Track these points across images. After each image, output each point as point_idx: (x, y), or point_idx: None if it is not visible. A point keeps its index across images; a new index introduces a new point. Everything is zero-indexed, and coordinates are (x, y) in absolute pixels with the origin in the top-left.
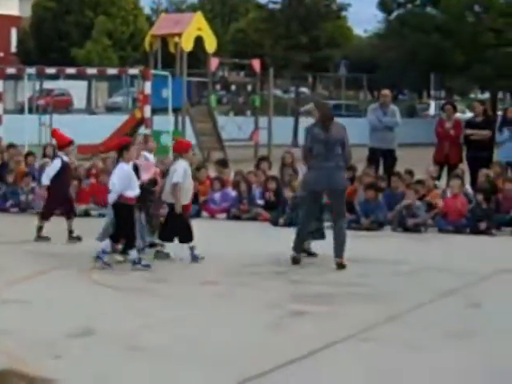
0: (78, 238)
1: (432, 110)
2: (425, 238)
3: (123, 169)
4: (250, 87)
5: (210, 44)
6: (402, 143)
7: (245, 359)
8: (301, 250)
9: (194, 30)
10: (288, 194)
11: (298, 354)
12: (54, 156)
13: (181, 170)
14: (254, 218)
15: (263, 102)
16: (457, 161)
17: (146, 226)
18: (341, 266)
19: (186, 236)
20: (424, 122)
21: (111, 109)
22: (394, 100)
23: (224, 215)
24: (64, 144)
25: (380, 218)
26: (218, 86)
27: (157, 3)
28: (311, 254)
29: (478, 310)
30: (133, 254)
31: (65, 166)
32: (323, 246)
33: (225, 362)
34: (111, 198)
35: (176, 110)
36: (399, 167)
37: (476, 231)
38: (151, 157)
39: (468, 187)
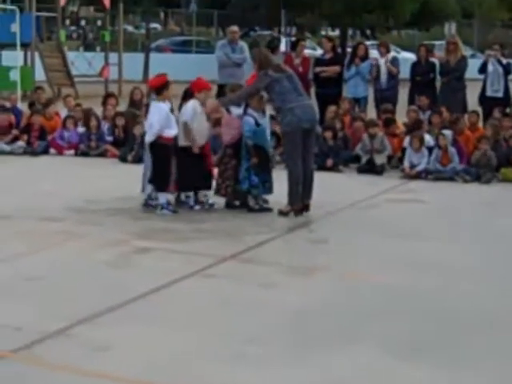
0: None
1: (283, 47)
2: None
3: (161, 108)
4: (100, 22)
5: None
6: None
7: (85, 296)
8: (300, 199)
9: None
10: (137, 130)
11: (143, 290)
12: None
13: (189, 108)
14: (103, 155)
15: (113, 37)
16: None
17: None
18: (308, 208)
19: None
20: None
21: None
22: (245, 36)
23: (72, 152)
24: None
25: None
26: (67, 21)
27: None
28: (265, 210)
29: (324, 245)
30: (161, 197)
31: None
32: None
33: (68, 298)
34: (149, 138)
35: (25, 45)
36: None
37: (323, 168)
38: (236, 109)
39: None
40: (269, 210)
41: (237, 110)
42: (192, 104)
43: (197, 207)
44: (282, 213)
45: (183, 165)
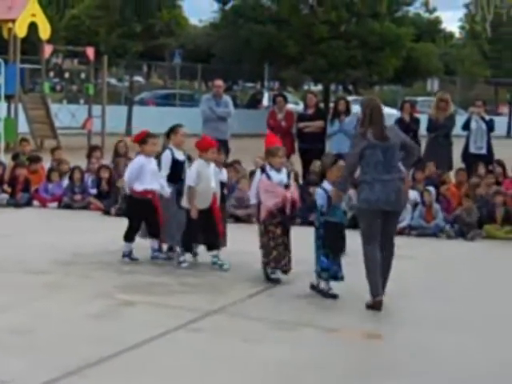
0: None
1: (266, 101)
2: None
3: (135, 161)
4: (83, 75)
5: (44, 31)
6: (242, 134)
7: (72, 349)
8: (381, 288)
9: (28, 16)
10: (119, 183)
11: (129, 344)
12: None
13: (193, 171)
14: (86, 207)
15: (97, 90)
16: (289, 152)
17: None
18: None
19: (211, 242)
20: (257, 113)
21: None
22: (228, 90)
23: (55, 204)
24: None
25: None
26: (51, 73)
27: None
28: (332, 296)
29: (310, 299)
30: (125, 246)
31: None
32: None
33: (54, 351)
34: (125, 189)
35: (9, 97)
36: (232, 158)
37: (307, 222)
38: (277, 175)
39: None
40: (334, 296)
41: (278, 176)
42: (196, 166)
43: (184, 265)
44: (369, 306)
45: (188, 223)
